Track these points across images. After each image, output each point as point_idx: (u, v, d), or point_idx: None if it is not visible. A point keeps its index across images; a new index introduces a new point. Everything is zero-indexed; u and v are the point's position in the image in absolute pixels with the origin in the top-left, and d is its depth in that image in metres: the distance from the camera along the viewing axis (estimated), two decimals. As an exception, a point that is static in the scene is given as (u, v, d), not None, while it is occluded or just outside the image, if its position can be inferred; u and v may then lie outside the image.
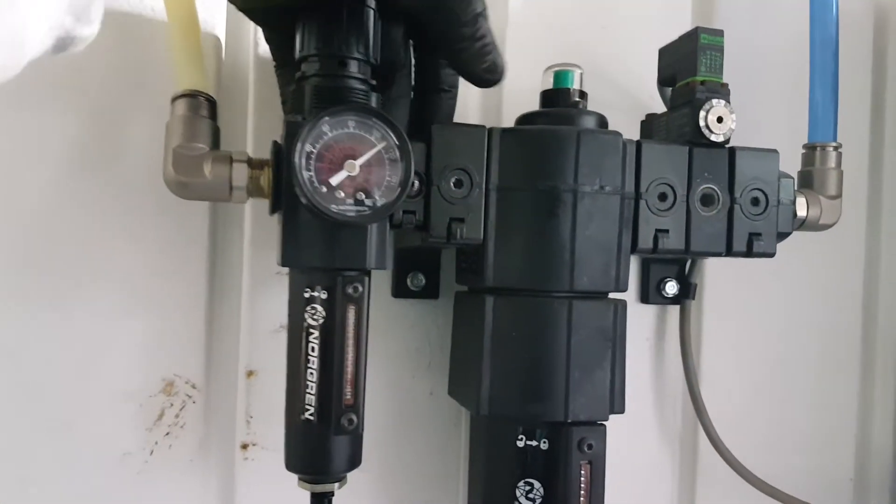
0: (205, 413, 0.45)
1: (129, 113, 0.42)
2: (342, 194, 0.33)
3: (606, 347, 0.39)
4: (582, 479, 0.38)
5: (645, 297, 0.52)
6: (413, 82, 0.40)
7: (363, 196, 0.33)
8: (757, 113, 0.53)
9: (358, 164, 0.32)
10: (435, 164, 0.38)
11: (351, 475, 0.43)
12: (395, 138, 0.33)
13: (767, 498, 0.50)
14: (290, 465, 0.38)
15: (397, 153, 0.33)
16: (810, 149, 0.47)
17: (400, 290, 0.47)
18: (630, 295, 0.52)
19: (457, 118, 0.47)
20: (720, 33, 0.42)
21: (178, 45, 0.38)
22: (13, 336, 0.41)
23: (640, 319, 0.52)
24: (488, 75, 0.35)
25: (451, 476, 0.48)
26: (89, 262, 0.42)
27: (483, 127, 0.39)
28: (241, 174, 0.37)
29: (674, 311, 0.52)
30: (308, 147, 0.32)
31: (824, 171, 0.46)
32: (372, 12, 0.37)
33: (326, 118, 0.32)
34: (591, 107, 0.45)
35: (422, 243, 0.39)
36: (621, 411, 0.41)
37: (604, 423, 0.39)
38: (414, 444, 0.48)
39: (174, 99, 0.38)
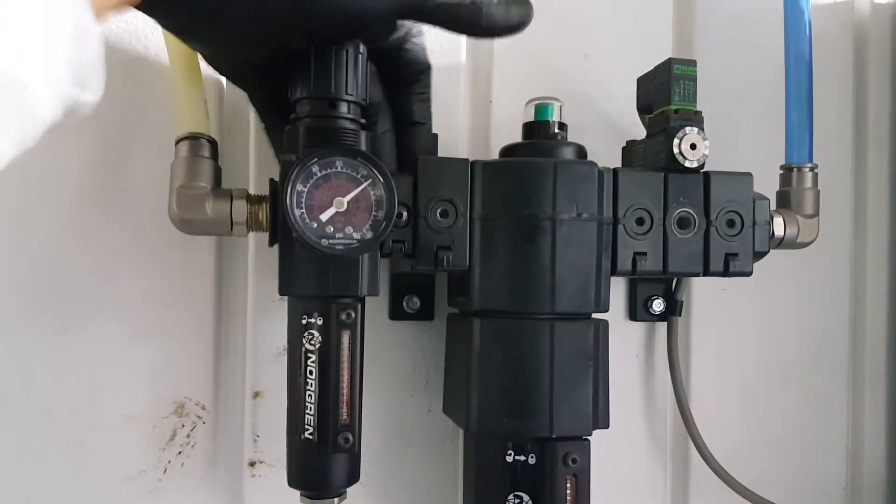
0: (214, 433, 0.48)
1: (137, 152, 0.46)
2: (331, 229, 0.35)
3: (588, 365, 0.41)
4: (567, 492, 0.40)
5: (633, 315, 0.54)
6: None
7: (351, 230, 0.36)
8: (736, 136, 0.55)
9: (345, 201, 0.35)
10: (421, 196, 0.40)
11: (351, 490, 0.45)
12: (379, 176, 0.36)
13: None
14: (292, 482, 0.40)
15: (382, 190, 0.36)
16: (787, 170, 0.49)
17: (396, 313, 0.49)
18: (618, 313, 0.54)
19: (447, 148, 0.50)
20: (693, 63, 0.44)
21: (181, 89, 0.41)
22: (30, 361, 0.45)
23: (629, 336, 0.54)
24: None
25: (448, 491, 0.51)
26: (102, 292, 0.45)
27: (466, 160, 0.41)
28: (240, 210, 0.39)
29: (661, 327, 0.54)
30: (299, 187, 0.35)
31: (801, 191, 0.48)
32: (360, 55, 0.39)
33: (315, 160, 0.35)
34: (575, 134, 0.47)
35: (412, 270, 0.41)
36: (606, 426, 0.43)
37: (587, 438, 0.41)
38: (412, 460, 0.50)
39: (178, 141, 0.41)
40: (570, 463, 0.40)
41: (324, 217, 0.35)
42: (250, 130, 0.48)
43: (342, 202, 0.35)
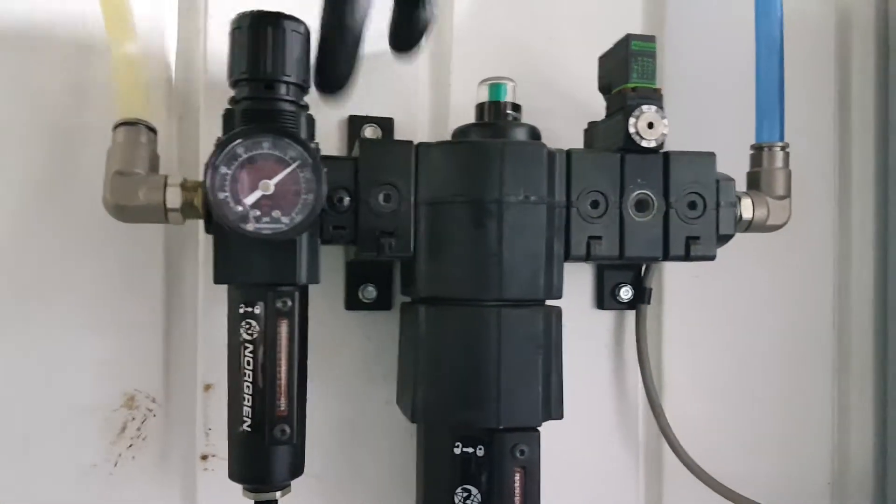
0: (165, 426, 0.47)
1: (87, 139, 0.44)
2: (258, 213, 0.34)
3: (537, 354, 0.39)
4: (516, 484, 0.39)
5: (601, 303, 0.52)
6: None
7: (279, 214, 0.34)
8: (710, 117, 0.53)
9: (272, 184, 0.34)
10: (363, 179, 0.39)
11: (306, 484, 0.44)
12: (308, 157, 0.34)
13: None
14: (232, 475, 0.39)
15: (311, 172, 0.34)
16: (757, 149, 0.47)
17: (352, 303, 0.48)
18: (585, 301, 0.52)
19: (405, 132, 0.49)
20: (652, 39, 0.43)
21: (119, 74, 0.40)
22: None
23: (597, 325, 0.53)
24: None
25: (405, 484, 0.49)
26: (49, 282, 0.45)
27: (410, 142, 0.40)
28: (174, 197, 0.38)
29: (631, 316, 0.52)
30: (223, 169, 0.33)
31: (772, 172, 0.46)
32: (298, 34, 0.38)
33: (240, 140, 0.33)
34: (540, 117, 0.46)
35: (354, 257, 0.40)
36: (559, 417, 0.41)
37: (537, 429, 0.40)
38: (369, 453, 0.49)
39: (115, 127, 0.40)
40: (518, 455, 0.39)
41: (249, 200, 0.34)
42: (201, 117, 0.47)
43: (269, 185, 0.34)
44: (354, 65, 0.33)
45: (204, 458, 0.47)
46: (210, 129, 0.46)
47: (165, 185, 0.38)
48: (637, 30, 0.52)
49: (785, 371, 0.55)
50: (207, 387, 0.47)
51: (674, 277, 0.54)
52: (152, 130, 0.41)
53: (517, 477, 0.39)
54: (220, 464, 0.47)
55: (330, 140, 0.48)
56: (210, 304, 0.46)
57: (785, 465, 0.55)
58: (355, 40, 0.32)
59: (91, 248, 0.45)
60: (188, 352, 0.47)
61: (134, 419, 0.46)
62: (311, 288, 0.42)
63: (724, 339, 0.54)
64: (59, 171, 0.45)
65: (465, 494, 0.39)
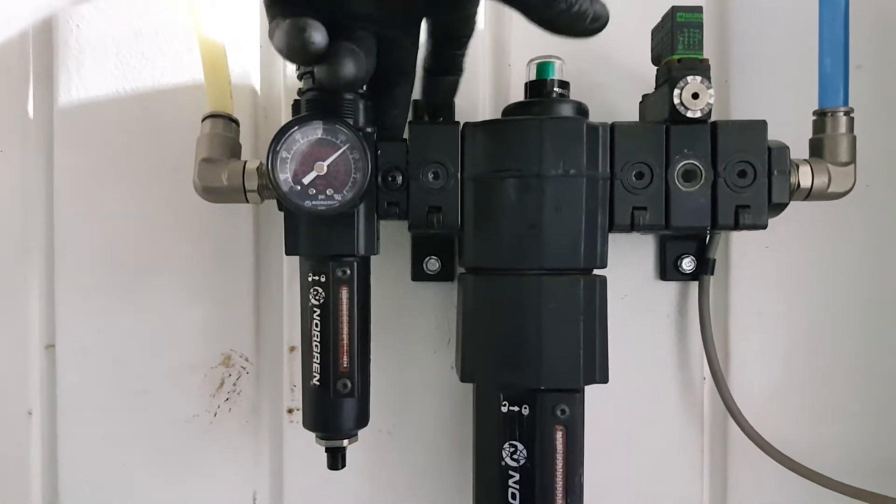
0: (257, 382, 0.53)
1: (186, 135, 0.51)
2: (314, 191, 0.38)
3: (577, 320, 0.41)
4: (558, 442, 0.41)
5: (663, 274, 0.52)
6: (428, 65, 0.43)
7: (332, 192, 0.39)
8: (771, 84, 0.52)
9: (325, 165, 0.38)
10: (413, 159, 0.42)
11: (376, 437, 0.50)
12: (357, 140, 0.38)
13: (807, 482, 0.49)
14: (306, 424, 0.44)
15: (359, 153, 0.38)
16: (820, 115, 0.46)
17: (417, 274, 0.52)
18: (648, 272, 0.53)
19: (468, 114, 0.52)
20: (698, 10, 0.43)
21: (207, 74, 0.46)
22: (103, 320, 0.52)
23: (659, 296, 0.53)
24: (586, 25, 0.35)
25: (466, 441, 0.52)
26: (156, 259, 0.52)
27: (457, 123, 0.43)
28: (252, 179, 0.43)
29: (696, 287, 0.52)
30: (283, 153, 0.38)
31: (834, 138, 0.45)
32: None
33: (297, 127, 0.38)
34: (597, 92, 0.48)
35: (409, 230, 0.44)
36: (603, 381, 0.43)
37: (578, 390, 0.42)
38: (433, 412, 0.53)
39: (203, 119, 0.46)
40: (560, 414, 0.41)
41: (306, 180, 0.38)
42: (282, 113, 0.52)
43: (322, 166, 0.38)
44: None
45: (290, 411, 0.53)
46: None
47: (244, 169, 0.44)
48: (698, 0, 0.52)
49: (857, 341, 0.53)
50: (292, 348, 0.52)
51: (741, 248, 0.53)
52: (234, 122, 0.46)
53: (559, 435, 0.41)
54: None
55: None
56: (293, 275, 0.52)
57: (858, 439, 0.53)
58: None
59: (191, 227, 0.52)
60: (275, 317, 0.53)
61: (230, 376, 0.53)
62: (380, 261, 0.46)
63: (791, 310, 0.53)
64: (163, 163, 0.52)
65: (512, 450, 0.42)
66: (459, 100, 0.52)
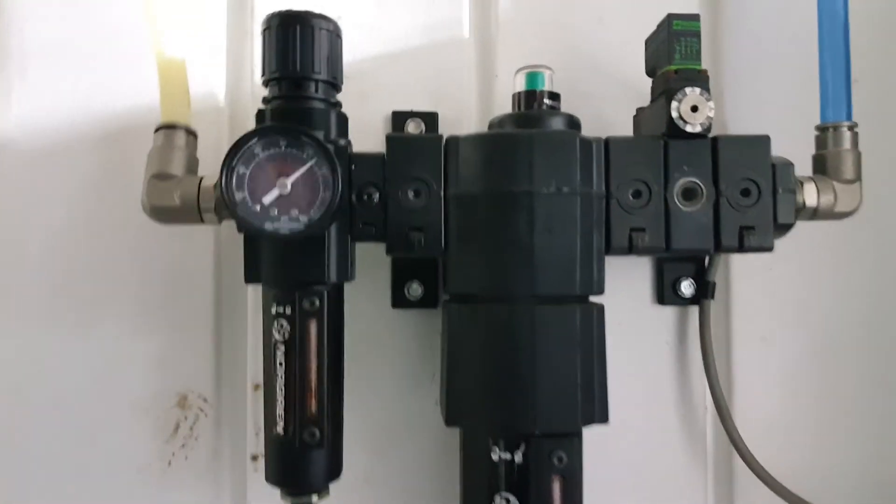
0: (217, 425, 0.48)
1: (139, 147, 0.46)
2: (276, 212, 0.34)
3: (575, 353, 0.37)
4: (556, 494, 0.37)
5: (660, 298, 0.49)
6: None
7: (297, 212, 0.34)
8: (773, 97, 0.49)
9: (289, 183, 0.34)
10: (391, 174, 0.38)
11: (350, 483, 0.45)
12: (324, 155, 0.34)
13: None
14: (269, 478, 0.39)
15: (328, 169, 0.34)
16: (822, 130, 0.43)
17: (398, 301, 0.47)
18: (645, 296, 0.50)
19: (451, 126, 0.48)
20: (695, 17, 0.40)
21: (161, 79, 0.41)
22: (39, 353, 0.47)
23: (658, 321, 0.50)
24: None
25: (453, 487, 0.48)
26: (104, 285, 0.47)
27: (439, 136, 0.39)
28: (208, 198, 0.39)
29: (695, 311, 0.49)
30: (241, 169, 0.34)
31: (838, 154, 0.42)
32: (328, 33, 0.38)
33: (256, 139, 0.34)
34: (590, 103, 0.45)
35: (387, 254, 0.40)
36: (603, 421, 0.39)
37: (577, 434, 0.38)
38: (417, 455, 0.48)
39: (156, 130, 0.41)
40: (557, 462, 0.37)
41: (267, 200, 0.34)
42: (249, 123, 0.47)
43: (286, 184, 0.34)
44: None
45: (254, 458, 0.48)
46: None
47: (200, 186, 0.39)
48: (693, 8, 0.49)
49: (867, 369, 0.50)
50: (257, 387, 0.47)
51: (742, 270, 0.50)
52: (192, 134, 0.42)
53: (556, 486, 0.37)
54: (268, 463, 0.47)
55: (374, 136, 0.47)
56: (259, 304, 0.47)
57: (869, 474, 0.50)
58: None
59: (142, 249, 0.47)
60: (238, 351, 0.48)
61: (186, 419, 0.47)
62: (356, 285, 0.42)
63: (798, 335, 0.50)
64: (111, 178, 0.47)
65: (504, 502, 0.38)
66: (442, 111, 0.48)
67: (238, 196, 0.34)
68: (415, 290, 0.47)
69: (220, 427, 0.48)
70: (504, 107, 0.48)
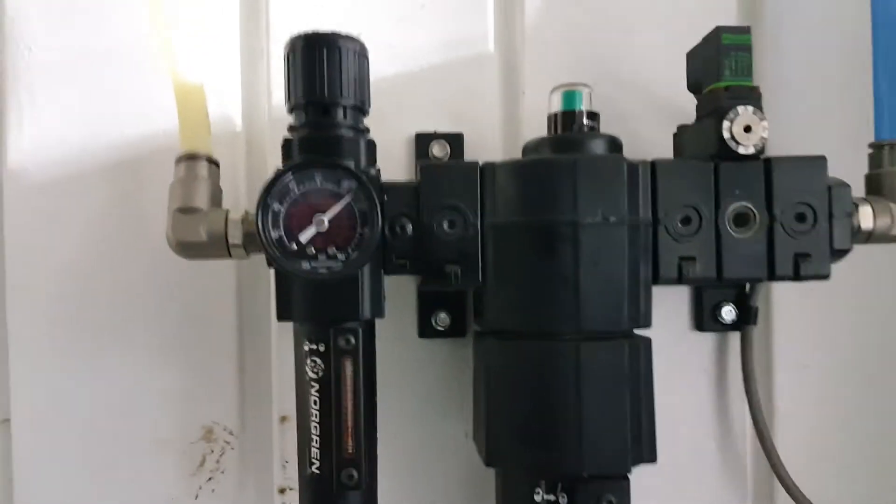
0: (242, 458, 0.46)
1: (160, 178, 0.45)
2: (313, 250, 0.32)
3: (624, 391, 0.35)
4: (604, 538, 0.35)
5: (699, 325, 0.47)
6: None
7: (335, 250, 0.32)
8: (818, 115, 0.47)
9: (326, 219, 0.32)
10: (425, 205, 0.36)
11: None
12: (362, 189, 0.32)
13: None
14: (304, 518, 0.38)
15: (366, 204, 0.32)
16: (877, 148, 0.41)
17: (425, 331, 0.46)
18: (683, 322, 0.48)
19: (475, 147, 0.46)
20: (746, 31, 0.38)
21: (180, 108, 0.39)
22: (65, 387, 0.45)
23: (696, 349, 0.47)
24: None
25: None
26: (125, 319, 0.45)
27: (475, 163, 0.37)
28: (236, 232, 0.37)
29: (735, 338, 0.47)
30: (275, 206, 0.32)
31: (894, 174, 0.40)
32: (355, 55, 0.36)
33: (291, 173, 0.32)
34: (622, 123, 0.42)
35: (421, 288, 0.38)
36: (651, 460, 0.37)
37: (626, 476, 0.36)
38: (446, 490, 0.46)
39: (177, 161, 0.39)
40: (606, 505, 0.35)
41: (303, 238, 0.32)
42: (266, 150, 0.46)
43: (323, 221, 0.32)
44: None
45: (282, 491, 0.46)
46: (276, 160, 0.45)
47: (227, 220, 0.37)
48: (731, 20, 0.47)
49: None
50: (283, 419, 0.46)
51: (784, 295, 0.48)
52: (214, 163, 0.40)
53: (605, 530, 0.35)
54: (297, 498, 0.45)
55: (396, 160, 0.46)
56: (283, 335, 0.45)
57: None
58: None
59: (165, 282, 0.45)
60: (263, 384, 0.46)
61: (213, 452, 0.46)
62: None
63: (843, 363, 0.48)
64: (134, 210, 0.45)
65: (548, 544, 0.36)
66: (466, 131, 0.46)
67: (274, 235, 0.32)
68: (442, 319, 0.45)
69: (247, 460, 0.46)
70: (531, 125, 0.46)
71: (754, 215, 0.37)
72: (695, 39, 0.41)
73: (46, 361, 0.45)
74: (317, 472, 0.36)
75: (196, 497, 0.46)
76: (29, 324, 0.45)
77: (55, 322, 0.45)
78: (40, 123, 0.45)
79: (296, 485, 0.45)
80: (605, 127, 0.41)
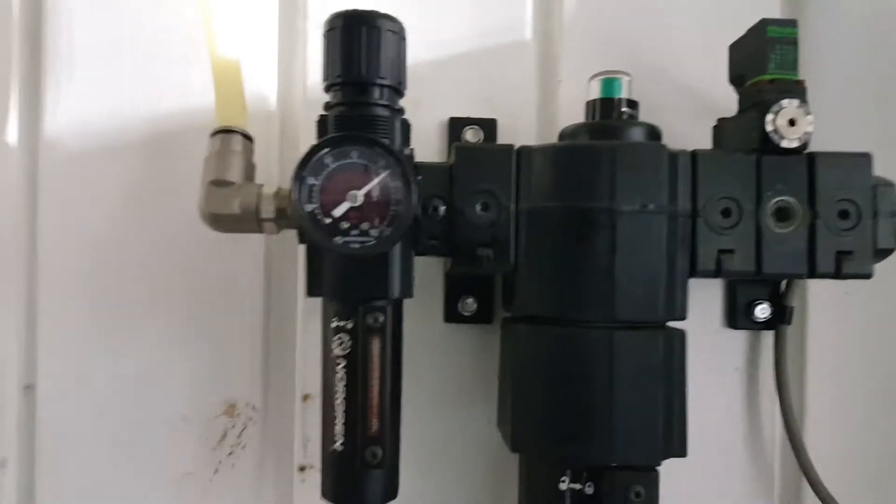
0: (264, 434, 0.46)
1: (188, 152, 0.45)
2: (346, 225, 0.32)
3: (656, 383, 0.35)
4: (629, 530, 0.35)
5: (732, 322, 0.46)
6: None
7: (368, 226, 0.32)
8: (861, 111, 0.46)
9: (361, 195, 0.32)
10: (458, 187, 0.36)
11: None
12: (397, 166, 0.32)
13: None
14: (325, 493, 0.38)
15: (401, 181, 0.32)
16: (926, 147, 0.40)
17: (451, 316, 0.45)
18: (715, 319, 0.47)
19: (511, 133, 0.46)
20: (792, 23, 0.37)
21: (217, 84, 0.39)
22: (86, 362, 0.45)
23: (728, 347, 0.47)
24: None
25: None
26: (154, 294, 0.45)
27: (510, 146, 0.37)
28: (268, 206, 0.37)
29: (768, 337, 0.46)
30: (311, 180, 0.32)
31: (943, 173, 0.39)
32: (394, 35, 0.36)
33: (327, 149, 0.32)
34: (658, 114, 0.41)
35: (451, 270, 0.37)
36: (682, 454, 0.36)
37: (655, 468, 0.35)
38: (470, 476, 0.46)
39: (212, 135, 0.39)
40: (634, 497, 0.34)
41: (337, 212, 0.32)
42: (300, 127, 0.46)
43: (357, 196, 0.32)
44: None
45: (301, 469, 0.46)
46: (309, 139, 0.45)
47: (260, 194, 0.37)
48: (773, 12, 0.46)
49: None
50: (306, 397, 0.46)
51: (820, 294, 0.47)
52: (248, 139, 0.40)
53: (631, 522, 0.34)
54: (317, 476, 0.45)
55: (430, 144, 0.45)
56: (309, 314, 0.45)
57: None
58: None
59: (192, 257, 0.45)
60: (287, 361, 0.46)
61: (234, 427, 0.46)
62: (408, 299, 0.39)
63: (879, 367, 0.46)
64: (161, 184, 0.45)
65: (570, 534, 0.35)
66: (501, 118, 0.46)
67: (308, 208, 0.31)
68: (469, 305, 0.45)
69: (267, 436, 0.46)
70: (568, 114, 0.46)
71: (796, 210, 0.36)
72: (734, 32, 0.40)
73: (74, 331, 0.45)
74: (340, 448, 0.36)
75: (216, 471, 0.46)
76: (59, 293, 0.45)
77: (84, 292, 0.45)
78: (78, 97, 0.45)
79: (316, 463, 0.45)
80: (641, 118, 0.40)
